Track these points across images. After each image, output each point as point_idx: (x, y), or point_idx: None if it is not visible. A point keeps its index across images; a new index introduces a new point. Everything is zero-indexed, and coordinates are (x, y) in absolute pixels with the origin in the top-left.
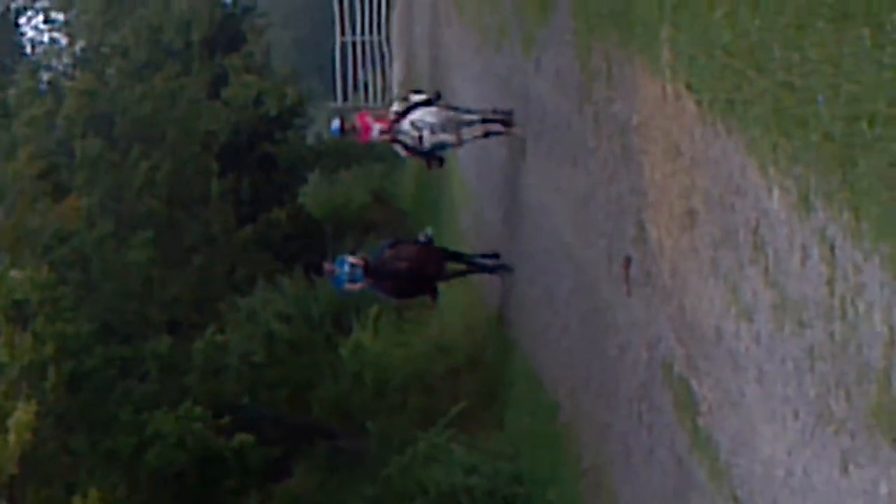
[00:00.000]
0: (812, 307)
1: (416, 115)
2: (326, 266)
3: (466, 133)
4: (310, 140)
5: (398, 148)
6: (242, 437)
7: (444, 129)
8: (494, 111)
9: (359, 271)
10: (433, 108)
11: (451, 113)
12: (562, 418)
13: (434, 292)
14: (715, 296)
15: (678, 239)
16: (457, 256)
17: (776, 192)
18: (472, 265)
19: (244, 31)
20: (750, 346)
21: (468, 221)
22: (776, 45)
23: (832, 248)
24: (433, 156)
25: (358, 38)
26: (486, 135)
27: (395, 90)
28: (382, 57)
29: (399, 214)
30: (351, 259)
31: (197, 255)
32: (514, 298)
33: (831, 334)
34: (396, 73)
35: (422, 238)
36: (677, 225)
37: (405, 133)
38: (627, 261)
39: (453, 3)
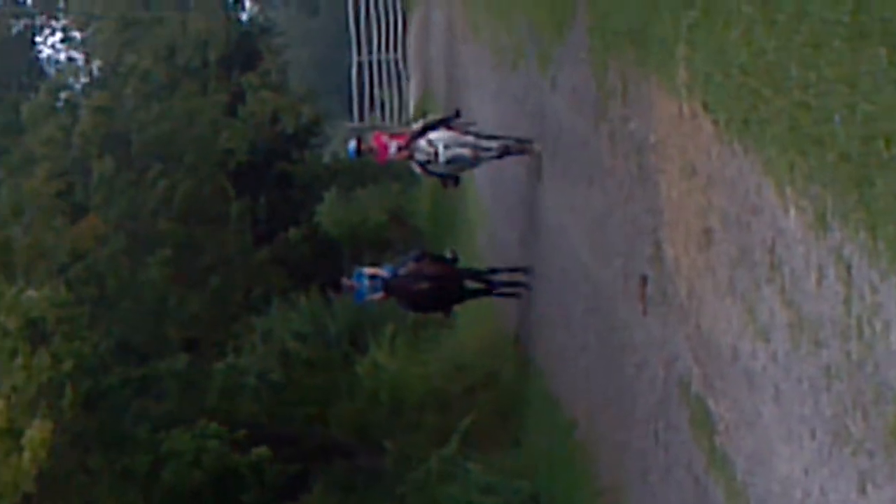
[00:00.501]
0: (828, 326)
1: (433, 133)
2: (345, 282)
3: (484, 153)
4: (326, 159)
5: (415, 165)
6: (260, 451)
7: (459, 146)
8: (517, 140)
9: (379, 282)
10: (452, 132)
11: (470, 137)
12: (578, 437)
13: (449, 310)
14: (731, 315)
15: (694, 258)
16: (478, 274)
17: (792, 212)
18: (490, 285)
19: (261, 50)
20: (766, 366)
21: (484, 241)
22: (792, 64)
23: (848, 267)
24: (449, 175)
25: (374, 58)
26: (502, 155)
27: (412, 109)
28: (399, 76)
29: (415, 233)
30: (368, 271)
31: (214, 273)
32: (530, 317)
33: (848, 354)
34: (413, 91)
35: (448, 255)
36: (694, 244)
37: (421, 150)
38: (644, 280)
39: (469, 23)
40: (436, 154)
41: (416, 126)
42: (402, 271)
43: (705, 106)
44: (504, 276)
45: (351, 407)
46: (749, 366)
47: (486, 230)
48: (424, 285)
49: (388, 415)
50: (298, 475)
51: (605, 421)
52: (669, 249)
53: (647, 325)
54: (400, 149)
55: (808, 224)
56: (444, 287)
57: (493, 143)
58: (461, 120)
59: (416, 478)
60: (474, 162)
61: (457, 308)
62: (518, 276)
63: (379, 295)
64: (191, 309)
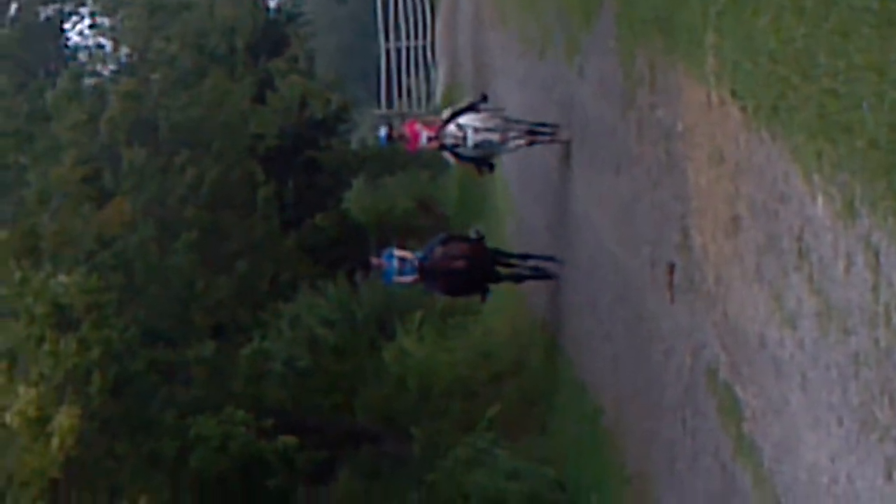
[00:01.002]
0: (856, 314)
1: (461, 118)
2: (374, 261)
3: (513, 139)
4: (354, 145)
5: (446, 154)
6: (286, 440)
7: (488, 129)
8: (542, 125)
9: (408, 265)
10: (480, 114)
11: (498, 119)
12: (605, 424)
13: (485, 292)
14: (759, 302)
15: (722, 245)
16: (507, 256)
17: (820, 199)
18: (521, 272)
19: (288, 36)
20: (794, 353)
21: (512, 228)
22: (821, 51)
23: (877, 254)
24: (482, 161)
25: (402, 45)
26: (531, 143)
27: (439, 96)
28: (426, 63)
29: (443, 220)
30: (398, 252)
31: (241, 259)
32: (558, 305)
33: (876, 341)
34: (440, 78)
35: (473, 234)
36: (721, 231)
37: (450, 134)
38: (671, 267)
39: (497, 11)
40: (464, 138)
41: (445, 114)
42: (430, 255)
43: (733, 93)
44: (534, 263)
45: (378, 393)
46: (776, 353)
47: (514, 217)
48: (460, 263)
49: (415, 401)
50: (325, 461)
51: (633, 408)
52: (697, 237)
53: (674, 312)
54: (430, 139)
55: (837, 211)
56: (478, 265)
57: (522, 127)
58: (489, 104)
59: (442, 464)
60: (503, 144)
61: (492, 288)
62: (547, 265)
63: (411, 277)
64: (218, 294)
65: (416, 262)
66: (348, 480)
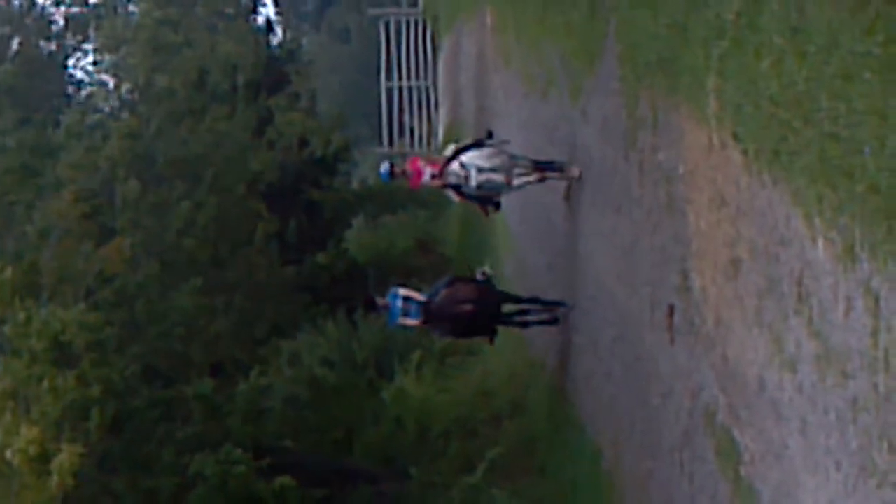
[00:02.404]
0: (856, 358)
1: (465, 156)
2: (379, 301)
3: (518, 177)
4: (354, 185)
5: (449, 192)
6: (283, 480)
7: (492, 169)
8: (549, 163)
9: (413, 306)
10: (484, 150)
11: (504, 156)
12: (604, 466)
13: (493, 333)
14: (758, 345)
15: (722, 288)
16: (515, 299)
17: (821, 243)
18: (528, 312)
19: (289, 74)
20: (793, 397)
21: (512, 268)
22: (823, 95)
23: (877, 299)
24: (487, 200)
25: (404, 84)
26: (542, 179)
27: (441, 136)
28: (428, 102)
29: (443, 260)
30: (402, 292)
31: (240, 296)
32: (557, 345)
33: (875, 386)
34: (442, 118)
35: (479, 276)
36: (721, 274)
37: (453, 173)
38: (671, 309)
39: (500, 52)
40: (466, 178)
41: (449, 151)
42: (436, 299)
43: (735, 136)
44: (541, 308)
45: (377, 433)
46: (775, 396)
47: (514, 257)
48: (467, 307)
49: (413, 441)
50: (323, 501)
51: (631, 450)
52: (697, 279)
53: (673, 354)
54: (433, 176)
55: (837, 256)
56: (485, 308)
57: (527, 163)
58: (494, 140)
59: None
60: (508, 185)
61: (500, 329)
62: (555, 310)
63: (415, 321)
64: (216, 331)
65: (423, 303)
66: None
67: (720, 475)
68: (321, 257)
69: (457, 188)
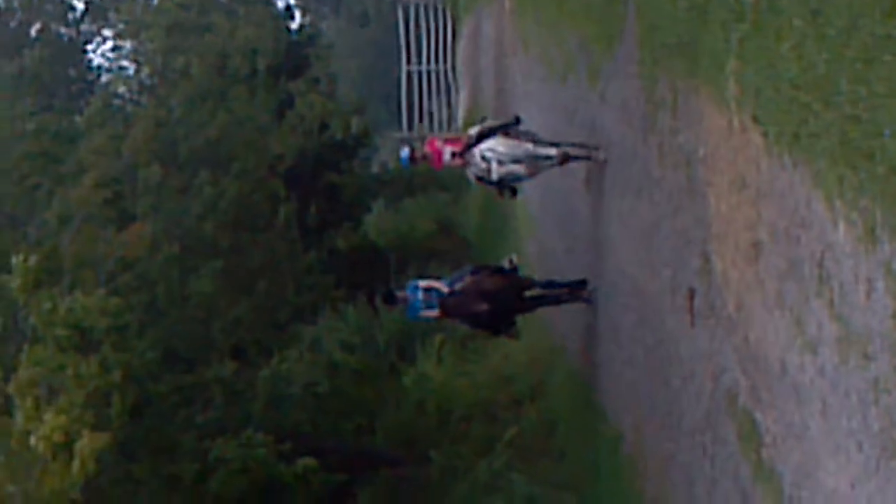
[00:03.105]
0: (877, 340)
1: (488, 143)
2: (399, 295)
3: (543, 165)
4: (374, 169)
5: (469, 175)
6: (306, 462)
7: (514, 160)
8: (581, 145)
9: (434, 296)
10: (509, 140)
11: (528, 145)
12: (625, 449)
13: (513, 327)
14: (780, 328)
15: (743, 271)
16: (543, 285)
17: (842, 225)
18: (554, 295)
19: (309, 58)
20: (814, 379)
21: (533, 251)
22: (843, 78)
23: None
24: (505, 185)
25: (423, 68)
26: (563, 162)
27: (460, 119)
28: (448, 86)
29: (463, 243)
30: (422, 283)
31: (261, 280)
32: (578, 328)
33: None
34: (462, 102)
35: (506, 265)
36: (742, 257)
37: (475, 164)
38: (692, 292)
39: (519, 35)
40: (488, 171)
41: (472, 131)
42: (457, 286)
43: (755, 119)
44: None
45: (397, 417)
46: (797, 379)
47: (535, 240)
48: (483, 307)
49: (434, 425)
50: (344, 484)
51: (652, 433)
52: (718, 262)
53: (694, 337)
54: (454, 155)
55: (858, 237)
56: (505, 305)
57: (553, 151)
58: (521, 127)
59: (461, 489)
60: (531, 177)
61: (520, 318)
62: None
63: (434, 312)
64: (238, 316)
65: (444, 290)
66: (367, 503)
67: (742, 457)
68: (341, 241)
69: (478, 178)
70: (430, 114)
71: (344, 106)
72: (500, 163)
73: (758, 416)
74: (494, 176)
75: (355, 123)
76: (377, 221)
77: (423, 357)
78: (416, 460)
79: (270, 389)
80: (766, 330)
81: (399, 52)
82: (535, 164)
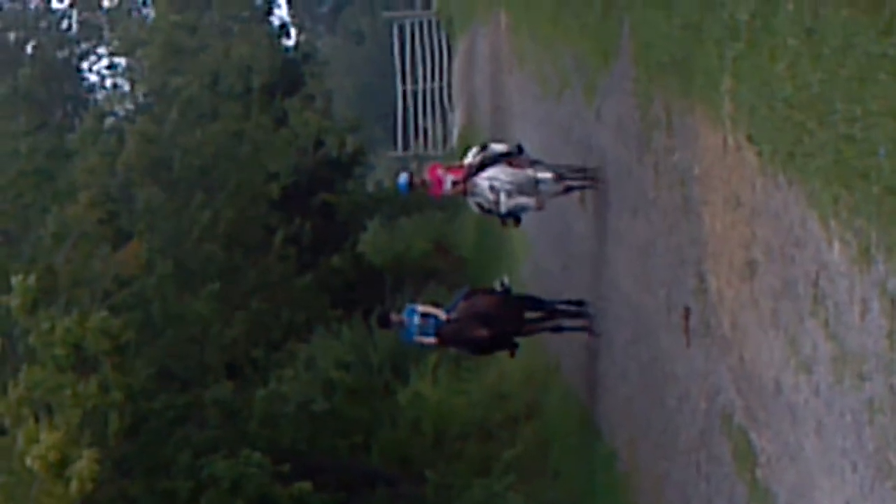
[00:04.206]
0: (872, 360)
1: (492, 171)
2: (394, 317)
3: (546, 193)
4: (370, 187)
5: (471, 203)
6: (301, 486)
7: (522, 192)
8: (580, 170)
9: (431, 322)
10: (510, 168)
11: (530, 171)
12: (619, 468)
13: (514, 347)
14: (774, 347)
15: (738, 290)
16: (538, 303)
17: (837, 245)
18: (554, 312)
19: (304, 76)
20: (809, 399)
21: (528, 270)
22: (837, 97)
23: (892, 301)
24: (511, 216)
25: (419, 87)
26: (567, 190)
27: (456, 138)
28: (443, 105)
29: (459, 262)
30: (420, 308)
31: (256, 299)
32: (572, 346)
33: (891, 387)
34: (457, 120)
35: (498, 287)
36: (737, 276)
37: (480, 194)
38: (687, 311)
39: (514, 53)
40: (497, 203)
41: (474, 159)
42: (453, 315)
43: (750, 138)
44: (571, 309)
45: (393, 436)
46: (792, 399)
47: (530, 260)
48: (483, 332)
49: (430, 444)
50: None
51: (647, 452)
52: (713, 281)
53: (689, 356)
54: (455, 184)
55: (853, 257)
56: (504, 327)
57: (549, 174)
58: (524, 156)
59: None
60: (540, 209)
61: (520, 340)
62: (579, 311)
63: (430, 340)
64: (233, 334)
65: (442, 317)
66: None
67: (736, 477)
68: (336, 260)
69: (486, 213)
70: (426, 132)
71: (339, 124)
72: (509, 195)
73: (753, 435)
74: (503, 209)
75: (350, 141)
76: (372, 240)
77: (418, 376)
78: (412, 479)
79: (266, 408)
80: (761, 349)
81: (394, 71)
82: (540, 194)
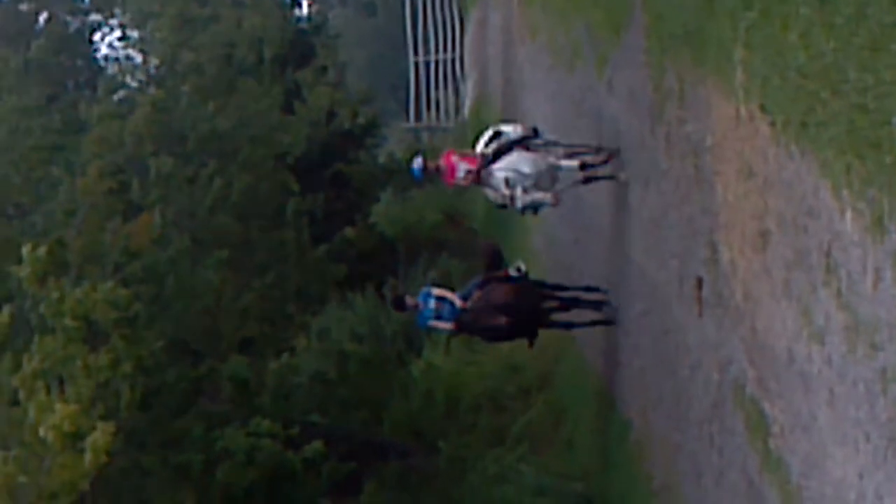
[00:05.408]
0: (885, 330)
1: (508, 161)
2: (409, 301)
3: (565, 182)
4: (382, 158)
5: (486, 192)
6: (314, 447)
7: (538, 186)
8: (599, 149)
9: (446, 308)
10: (528, 154)
11: (551, 159)
12: (633, 438)
13: (533, 336)
14: (787, 318)
15: (750, 260)
16: (555, 289)
17: (849, 214)
18: (574, 301)
19: (316, 48)
20: (822, 369)
21: (540, 242)
22: (851, 67)
23: None
24: (527, 210)
25: (431, 58)
26: (587, 180)
27: (468, 109)
28: (455, 76)
29: (471, 233)
30: (436, 291)
31: (270, 271)
32: (586, 317)
33: None
34: (469, 92)
35: (513, 273)
36: (750, 246)
37: (495, 187)
38: (699, 282)
39: (526, 24)
40: (512, 198)
41: (487, 149)
42: (469, 304)
43: (763, 108)
44: (579, 295)
45: (406, 407)
46: (804, 369)
47: (541, 231)
48: (501, 320)
49: (442, 415)
50: (352, 474)
51: (660, 422)
52: (725, 251)
53: (702, 326)
54: (469, 172)
55: (865, 227)
56: (522, 313)
57: (575, 162)
58: (539, 140)
59: (470, 479)
60: (556, 204)
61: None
62: (597, 296)
63: (447, 325)
64: (246, 307)
65: (457, 303)
66: (375, 493)
67: (749, 447)
68: (349, 231)
69: (500, 207)
70: (438, 103)
71: (351, 96)
72: (524, 190)
73: (765, 406)
74: (519, 204)
75: (363, 113)
76: (385, 211)
77: (431, 347)
78: (425, 450)
79: (279, 381)
80: (774, 319)
81: (406, 42)
82: (556, 186)
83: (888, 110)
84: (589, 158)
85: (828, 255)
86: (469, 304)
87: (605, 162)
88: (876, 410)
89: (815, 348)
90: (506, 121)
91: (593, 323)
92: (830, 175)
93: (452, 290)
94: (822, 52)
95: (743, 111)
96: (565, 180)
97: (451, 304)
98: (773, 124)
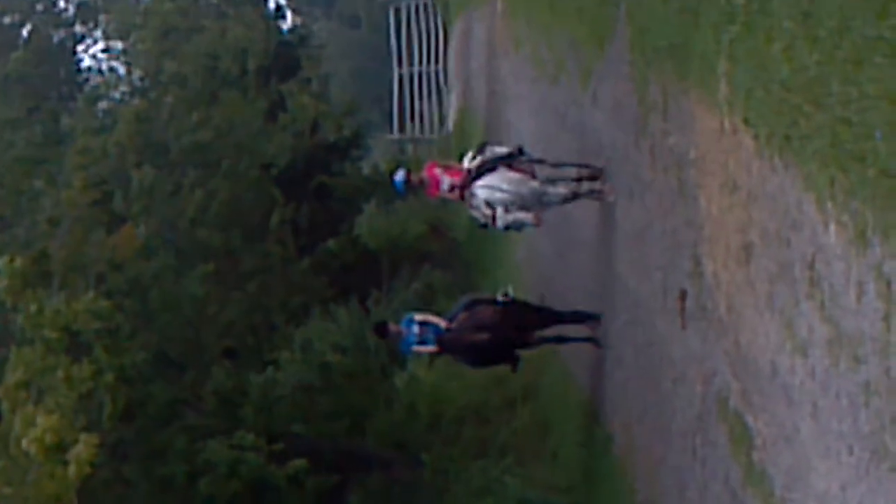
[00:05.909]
0: (868, 343)
1: (489, 180)
2: (392, 328)
3: (549, 205)
4: (366, 170)
5: (470, 211)
6: (296, 463)
7: (521, 207)
8: (583, 166)
9: (430, 332)
10: (510, 174)
11: (535, 183)
12: (616, 451)
13: (515, 361)
14: (770, 330)
15: (734, 273)
16: (541, 311)
17: (833, 228)
18: (560, 317)
19: (300, 59)
20: (805, 382)
21: (523, 254)
22: (834, 80)
23: (889, 283)
24: (510, 229)
25: (415, 70)
26: (574, 196)
27: (451, 121)
28: (439, 89)
29: (454, 245)
30: (419, 317)
31: (253, 282)
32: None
33: (887, 370)
34: (453, 104)
35: (500, 298)
36: (733, 259)
37: (476, 207)
38: (683, 294)
39: (510, 37)
40: (493, 218)
41: (472, 162)
42: (454, 325)
43: (746, 121)
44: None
45: (389, 419)
46: (787, 381)
47: (525, 244)
48: (484, 336)
49: (426, 427)
50: (336, 486)
51: (643, 435)
52: (709, 264)
53: (685, 339)
54: (453, 187)
55: (849, 240)
56: (505, 334)
57: (561, 189)
58: (525, 157)
59: (454, 491)
60: (538, 225)
61: (524, 354)
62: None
63: (430, 348)
64: (229, 318)
65: (442, 325)
66: None
67: (732, 460)
68: (333, 243)
69: (482, 227)
70: (422, 115)
71: (336, 107)
72: (506, 209)
73: (748, 418)
74: (500, 223)
75: (347, 125)
76: (369, 223)
77: (415, 360)
78: (408, 462)
79: (262, 394)
80: (757, 332)
81: (391, 54)
82: (541, 208)
83: (871, 123)
84: (574, 172)
85: (811, 267)
86: (454, 324)
87: (594, 179)
88: (859, 423)
89: (799, 361)
90: (493, 143)
91: (587, 339)
92: (814, 188)
93: (438, 313)
94: (805, 66)
95: (727, 124)
96: (552, 203)
97: (436, 327)
98: (756, 137)
